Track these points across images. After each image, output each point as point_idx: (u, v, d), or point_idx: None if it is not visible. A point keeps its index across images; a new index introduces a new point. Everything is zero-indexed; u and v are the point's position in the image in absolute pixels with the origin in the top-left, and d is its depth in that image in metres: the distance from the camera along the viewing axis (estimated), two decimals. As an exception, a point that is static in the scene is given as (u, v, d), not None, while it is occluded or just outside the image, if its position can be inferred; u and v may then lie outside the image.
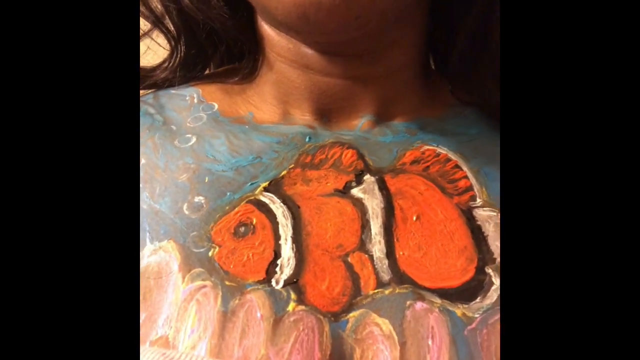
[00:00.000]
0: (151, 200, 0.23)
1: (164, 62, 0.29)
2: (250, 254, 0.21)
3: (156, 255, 0.21)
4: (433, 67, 0.31)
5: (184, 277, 0.20)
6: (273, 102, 0.27)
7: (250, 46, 0.28)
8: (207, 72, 0.31)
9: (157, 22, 0.28)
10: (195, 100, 0.27)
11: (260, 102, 0.27)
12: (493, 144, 0.26)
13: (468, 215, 0.23)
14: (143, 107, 0.27)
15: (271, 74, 0.27)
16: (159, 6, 0.28)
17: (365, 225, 0.23)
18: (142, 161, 0.24)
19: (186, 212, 0.22)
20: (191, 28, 0.28)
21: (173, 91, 0.28)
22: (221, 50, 0.30)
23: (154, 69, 0.29)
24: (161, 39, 0.29)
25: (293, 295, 0.20)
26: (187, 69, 0.29)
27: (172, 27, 0.28)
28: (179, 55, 0.29)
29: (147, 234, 0.21)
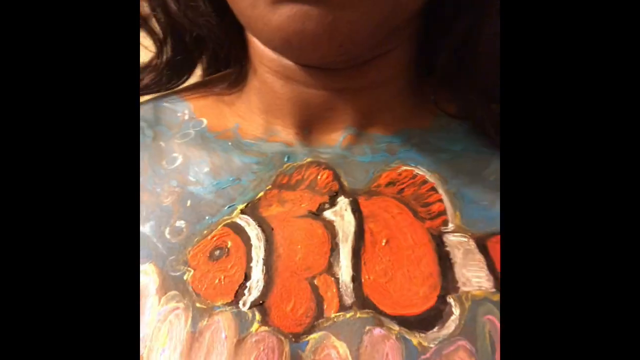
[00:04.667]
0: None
1: (150, 62, 0.29)
2: (222, 277, 0.22)
3: None
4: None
5: (160, 299, 0.21)
6: (257, 113, 0.27)
7: (237, 53, 0.28)
8: (193, 78, 0.31)
9: (143, 23, 0.28)
10: (187, 117, 0.27)
11: (246, 112, 0.27)
12: (477, 161, 0.25)
13: (438, 241, 0.22)
14: None
15: (256, 82, 0.27)
16: (145, 7, 0.27)
17: (334, 248, 0.22)
18: None
19: (167, 237, 0.23)
20: (178, 32, 0.28)
21: (167, 104, 0.28)
22: (208, 54, 0.29)
23: (140, 68, 0.29)
24: (146, 41, 0.28)
25: (258, 317, 0.21)
26: (173, 70, 0.29)
27: (158, 29, 0.28)
28: (164, 57, 0.28)
29: None
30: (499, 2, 0.24)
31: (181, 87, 0.30)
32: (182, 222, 0.23)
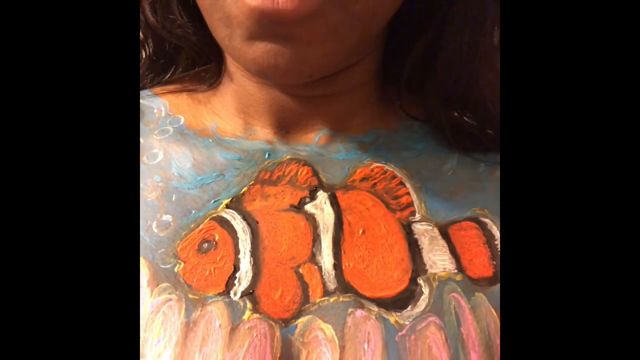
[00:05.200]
0: None
1: None
2: (212, 269, 0.23)
3: None
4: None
5: (152, 291, 0.22)
6: (235, 113, 0.28)
7: (214, 57, 0.28)
8: (174, 73, 0.31)
9: None
10: (163, 114, 0.27)
11: (223, 111, 0.28)
12: (436, 159, 0.28)
13: (407, 230, 0.25)
14: None
15: (232, 84, 0.27)
16: None
17: (316, 239, 0.24)
18: None
19: (155, 231, 0.23)
20: (157, 39, 0.28)
21: (142, 101, 0.28)
22: (189, 59, 0.30)
23: None
24: None
25: (249, 305, 0.22)
26: (155, 71, 0.29)
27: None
28: (146, 56, 0.29)
29: None
30: (463, 16, 0.27)
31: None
32: (169, 216, 0.24)
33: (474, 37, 0.26)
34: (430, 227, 0.25)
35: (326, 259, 0.24)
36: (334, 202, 0.25)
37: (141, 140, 0.26)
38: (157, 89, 0.29)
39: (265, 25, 0.20)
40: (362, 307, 0.23)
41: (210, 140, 0.26)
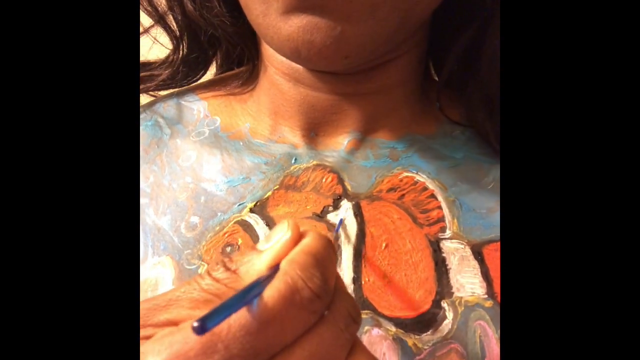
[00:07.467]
0: (155, 216, 0.24)
1: (167, 59, 0.28)
2: (231, 273, 0.22)
3: (155, 269, 0.22)
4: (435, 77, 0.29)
5: None
6: (267, 113, 0.26)
7: (249, 52, 0.28)
8: (209, 75, 0.30)
9: (160, 20, 0.27)
10: (202, 115, 0.27)
11: (257, 111, 0.27)
12: (477, 170, 0.25)
13: (435, 247, 0.22)
14: (154, 116, 0.28)
15: (266, 82, 0.26)
16: (163, 4, 0.27)
17: (336, 250, 0.23)
18: (151, 179, 0.25)
19: (183, 231, 0.23)
20: (193, 30, 0.27)
21: (185, 103, 0.28)
22: (222, 52, 0.29)
23: (157, 64, 0.28)
24: (163, 38, 0.28)
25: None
26: (189, 67, 0.29)
27: (174, 27, 0.28)
28: (181, 53, 0.28)
29: (150, 249, 0.23)
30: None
31: (197, 83, 0.29)
32: (197, 217, 0.23)
33: None
34: (462, 246, 0.23)
35: (345, 271, 0.22)
36: (358, 213, 0.23)
37: (178, 141, 0.26)
38: (199, 91, 0.29)
39: None
40: (379, 325, 0.21)
41: (241, 144, 0.26)
